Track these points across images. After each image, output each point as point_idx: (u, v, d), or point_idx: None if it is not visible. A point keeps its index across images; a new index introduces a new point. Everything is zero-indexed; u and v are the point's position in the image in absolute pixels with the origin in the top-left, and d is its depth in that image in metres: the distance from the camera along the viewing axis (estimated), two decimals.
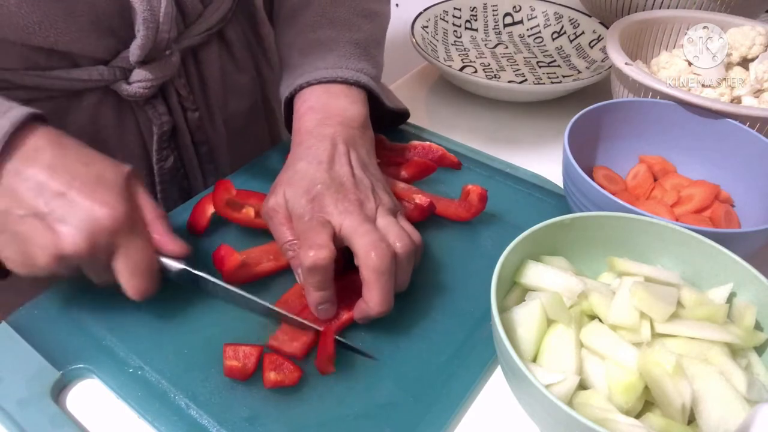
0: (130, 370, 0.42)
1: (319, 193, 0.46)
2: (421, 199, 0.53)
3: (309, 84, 0.54)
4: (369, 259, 0.42)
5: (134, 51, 0.52)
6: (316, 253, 0.42)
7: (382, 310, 0.43)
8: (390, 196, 0.50)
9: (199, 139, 0.63)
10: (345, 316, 0.45)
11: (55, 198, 0.40)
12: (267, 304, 0.45)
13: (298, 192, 0.47)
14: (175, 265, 0.45)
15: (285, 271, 0.49)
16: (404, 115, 0.65)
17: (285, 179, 0.49)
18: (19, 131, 0.41)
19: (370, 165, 0.51)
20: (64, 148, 0.42)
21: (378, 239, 0.43)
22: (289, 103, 0.56)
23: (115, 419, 0.40)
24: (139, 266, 0.43)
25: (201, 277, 0.45)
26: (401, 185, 0.56)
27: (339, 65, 0.55)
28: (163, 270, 0.45)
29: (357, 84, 0.55)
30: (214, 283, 0.46)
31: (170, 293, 0.47)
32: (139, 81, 0.53)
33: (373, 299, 0.43)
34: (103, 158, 0.44)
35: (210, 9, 0.60)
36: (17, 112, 0.41)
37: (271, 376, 0.40)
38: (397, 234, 0.45)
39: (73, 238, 0.39)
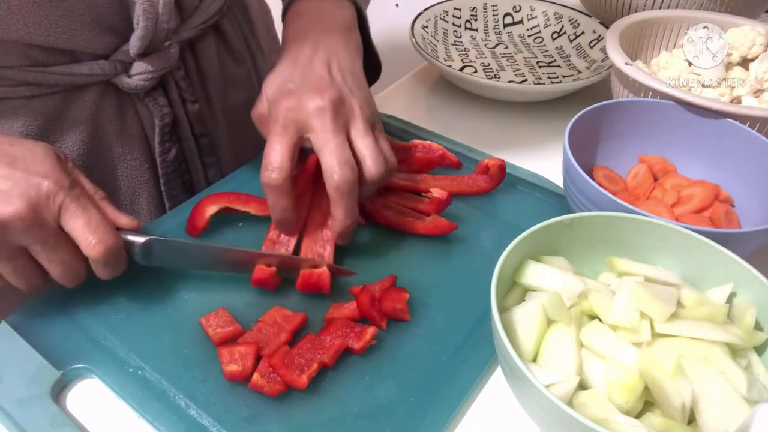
0: (130, 370, 0.42)
1: (291, 91, 0.47)
2: (439, 192, 0.53)
3: None
4: (331, 180, 0.45)
5: (134, 43, 0.52)
6: (270, 173, 0.45)
7: (347, 224, 0.47)
8: (370, 106, 0.50)
9: (199, 131, 0.63)
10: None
11: None
12: (220, 246, 0.46)
13: (273, 90, 0.48)
14: (140, 238, 0.45)
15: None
16: (378, 69, 0.65)
17: (265, 80, 0.50)
18: None
19: (351, 72, 0.51)
20: None
21: (344, 159, 0.45)
22: None
23: (115, 419, 0.40)
24: (94, 221, 0.41)
25: (170, 241, 0.46)
26: (418, 176, 0.56)
27: None
28: (128, 247, 0.45)
29: None
30: (184, 243, 0.46)
31: (170, 293, 0.47)
32: (140, 73, 0.54)
33: (336, 215, 0.46)
34: (28, 140, 0.44)
35: (206, 1, 0.60)
36: None
37: (255, 378, 0.40)
38: (372, 156, 0.46)
39: (14, 206, 0.39)
